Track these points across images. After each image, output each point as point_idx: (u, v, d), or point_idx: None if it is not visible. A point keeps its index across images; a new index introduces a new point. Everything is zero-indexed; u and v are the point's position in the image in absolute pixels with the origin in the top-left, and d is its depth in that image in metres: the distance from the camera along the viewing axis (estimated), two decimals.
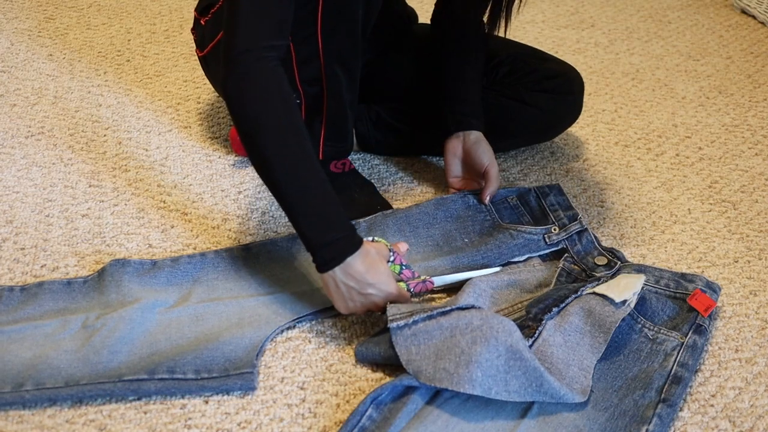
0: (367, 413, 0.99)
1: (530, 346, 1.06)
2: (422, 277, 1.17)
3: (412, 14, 1.57)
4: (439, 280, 1.20)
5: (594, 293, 1.13)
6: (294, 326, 1.16)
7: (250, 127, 1.07)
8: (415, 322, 1.06)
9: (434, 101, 1.40)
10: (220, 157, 1.50)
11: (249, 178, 1.44)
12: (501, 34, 1.33)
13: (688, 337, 1.12)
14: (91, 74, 1.74)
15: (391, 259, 1.15)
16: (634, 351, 1.11)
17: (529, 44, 1.54)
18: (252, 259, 1.24)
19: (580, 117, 1.53)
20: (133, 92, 1.69)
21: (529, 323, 1.10)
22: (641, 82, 1.84)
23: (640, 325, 1.14)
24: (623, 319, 1.13)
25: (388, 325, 1.06)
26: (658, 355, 1.10)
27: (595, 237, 1.29)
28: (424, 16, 1.54)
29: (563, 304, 1.12)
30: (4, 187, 1.40)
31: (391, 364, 1.08)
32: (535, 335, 1.08)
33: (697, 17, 2.17)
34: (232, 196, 1.40)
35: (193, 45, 1.87)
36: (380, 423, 0.98)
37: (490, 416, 1.01)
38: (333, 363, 1.10)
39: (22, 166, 1.45)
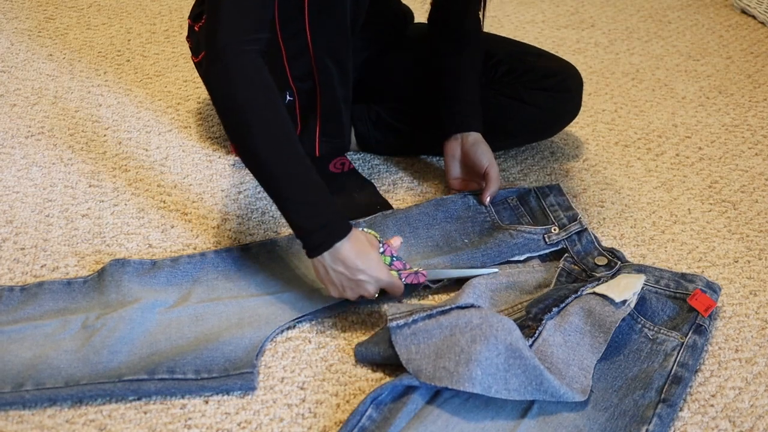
0: (367, 413, 0.99)
1: (530, 346, 1.06)
2: (414, 269, 1.16)
3: (408, 13, 1.57)
4: (432, 274, 1.19)
5: (594, 293, 1.13)
6: (294, 326, 1.16)
7: (234, 118, 1.08)
8: (414, 321, 1.06)
9: (433, 101, 1.40)
10: (220, 157, 1.50)
11: (249, 178, 1.44)
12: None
13: (688, 337, 1.12)
14: (91, 74, 1.74)
15: (381, 250, 1.14)
16: (634, 351, 1.11)
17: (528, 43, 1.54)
18: (252, 259, 1.24)
19: (580, 117, 1.53)
20: (133, 92, 1.69)
21: (529, 323, 1.11)
22: (641, 82, 1.84)
23: (640, 325, 1.14)
24: (623, 319, 1.13)
25: (388, 325, 1.06)
26: (658, 355, 1.10)
27: (595, 237, 1.29)
28: (422, 16, 1.54)
29: (563, 304, 1.12)
30: (4, 187, 1.40)
31: (390, 364, 1.08)
32: (535, 335, 1.08)
33: (697, 17, 2.17)
34: (232, 196, 1.40)
35: None
36: (380, 423, 0.98)
37: (490, 416, 1.01)
38: (333, 363, 1.10)
39: (22, 166, 1.45)
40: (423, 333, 1.04)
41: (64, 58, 1.80)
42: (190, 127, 1.58)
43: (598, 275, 1.21)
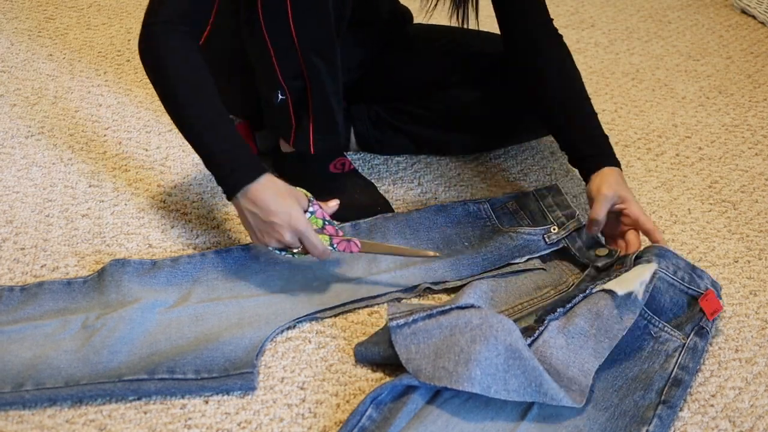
0: (367, 413, 0.99)
1: (529, 346, 1.06)
2: (347, 237, 1.17)
3: (406, 13, 1.56)
4: (366, 246, 1.19)
5: (602, 290, 1.12)
6: (294, 326, 1.16)
7: (158, 79, 1.16)
8: (414, 321, 1.06)
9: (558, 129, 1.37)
10: None
11: None
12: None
13: (689, 339, 1.11)
14: (91, 74, 1.74)
15: (311, 209, 1.15)
16: (635, 349, 1.11)
17: None
18: (252, 259, 1.24)
19: None
20: (133, 92, 1.69)
21: (532, 323, 1.10)
22: (641, 82, 1.84)
23: (645, 321, 1.13)
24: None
25: (388, 324, 1.06)
26: (659, 355, 1.10)
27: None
28: (421, 17, 1.54)
29: (570, 305, 1.11)
30: (4, 187, 1.40)
31: (390, 364, 1.08)
32: (535, 335, 1.08)
33: (697, 17, 2.17)
34: None
35: None
36: (380, 423, 0.98)
37: (490, 416, 1.01)
38: (333, 363, 1.10)
39: (22, 166, 1.45)
40: (423, 333, 1.04)
41: (64, 58, 1.80)
42: None
43: (600, 265, 1.21)
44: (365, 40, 1.44)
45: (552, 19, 1.37)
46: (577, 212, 1.31)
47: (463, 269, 1.24)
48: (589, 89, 1.73)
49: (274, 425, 1.02)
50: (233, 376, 1.05)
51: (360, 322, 1.17)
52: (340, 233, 1.18)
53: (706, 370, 1.13)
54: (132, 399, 1.04)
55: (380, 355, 1.08)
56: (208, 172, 1.44)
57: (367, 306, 1.19)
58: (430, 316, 1.06)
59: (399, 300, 1.20)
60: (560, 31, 1.38)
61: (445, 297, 1.22)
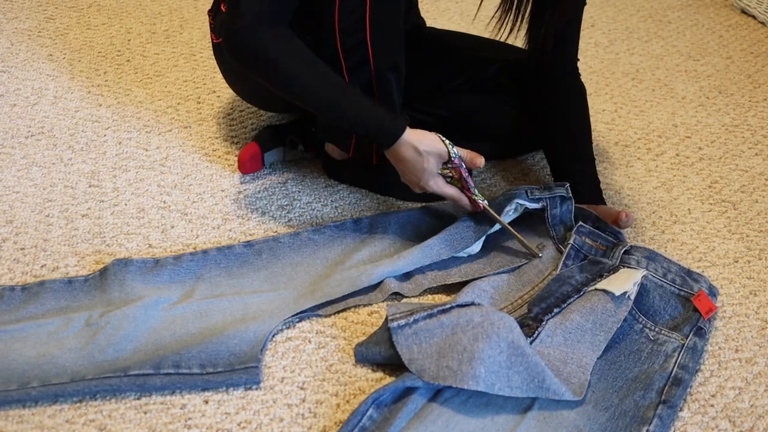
0: (368, 413, 0.99)
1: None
2: (476, 195, 1.23)
3: (422, 22, 1.57)
4: (488, 211, 1.24)
5: (595, 289, 1.13)
6: (294, 326, 1.16)
7: (279, 72, 1.17)
8: (415, 321, 1.06)
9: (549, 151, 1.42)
10: (220, 157, 1.50)
11: (249, 178, 1.44)
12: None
13: (689, 339, 1.12)
14: (91, 74, 1.74)
15: (450, 165, 1.22)
16: (634, 351, 1.11)
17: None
18: (254, 255, 1.24)
19: None
20: (133, 92, 1.69)
21: (530, 322, 1.11)
22: (641, 82, 1.84)
23: (641, 326, 1.14)
24: (624, 319, 1.13)
25: (389, 325, 1.06)
26: (659, 356, 1.10)
27: (576, 212, 1.29)
28: (428, 22, 1.54)
29: (565, 305, 1.12)
30: (4, 187, 1.40)
31: (391, 364, 1.08)
32: (534, 335, 1.08)
33: (697, 17, 2.17)
34: (232, 196, 1.40)
35: (193, 45, 1.87)
36: (380, 423, 0.98)
37: (490, 416, 1.01)
38: (333, 363, 1.11)
39: (22, 166, 1.45)
40: (424, 332, 1.04)
41: (64, 58, 1.80)
42: (190, 127, 1.58)
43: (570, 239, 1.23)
44: None
45: (578, 59, 1.42)
46: (568, 184, 1.30)
47: (457, 242, 1.24)
48: (589, 89, 1.74)
49: (274, 425, 1.02)
50: (238, 370, 1.05)
51: (360, 322, 1.17)
52: (471, 191, 1.24)
53: (706, 370, 1.13)
54: (132, 398, 1.04)
55: (381, 355, 1.08)
56: (208, 172, 1.46)
57: (368, 305, 1.19)
58: (431, 316, 1.06)
59: (398, 298, 1.20)
60: None
61: (445, 297, 1.22)
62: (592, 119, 1.67)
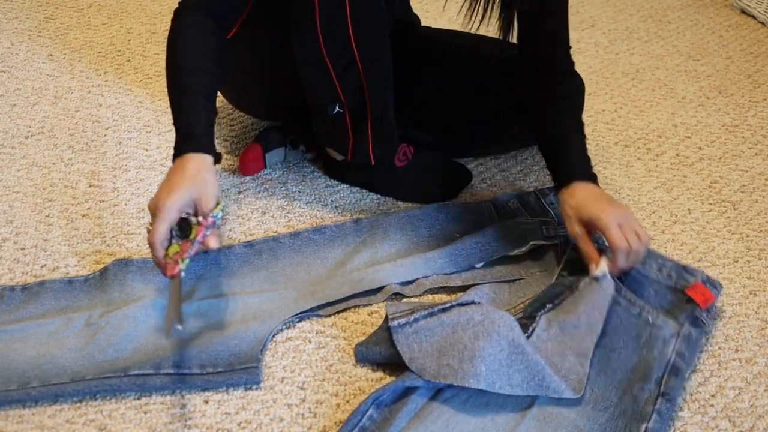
0: (368, 413, 0.99)
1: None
2: (182, 262, 1.01)
3: (415, 19, 1.57)
4: (172, 285, 1.04)
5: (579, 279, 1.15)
6: (294, 326, 1.16)
7: (168, 52, 1.18)
8: (416, 320, 1.06)
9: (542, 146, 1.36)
10: None
11: (249, 178, 1.44)
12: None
13: (684, 327, 1.12)
14: (91, 74, 1.74)
15: (198, 220, 1.01)
16: (634, 337, 1.11)
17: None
18: (255, 255, 1.24)
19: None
20: (133, 92, 1.69)
21: (524, 321, 1.11)
22: (641, 82, 1.84)
23: (638, 309, 1.14)
24: (620, 303, 1.13)
25: (389, 324, 1.06)
26: (658, 340, 1.10)
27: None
28: (425, 21, 1.54)
29: (557, 300, 1.12)
30: (4, 187, 1.40)
31: (391, 363, 1.08)
32: (529, 332, 1.08)
33: (697, 17, 2.17)
34: (232, 196, 1.40)
35: None
36: (380, 423, 0.98)
37: (490, 416, 1.01)
38: (333, 363, 1.11)
39: (22, 166, 1.45)
40: (425, 331, 1.05)
41: (64, 58, 1.80)
42: None
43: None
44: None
45: (571, 47, 1.37)
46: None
47: (461, 260, 1.24)
48: (589, 89, 1.74)
49: (274, 425, 1.02)
50: (238, 370, 1.05)
51: (360, 322, 1.17)
52: (191, 252, 1.01)
53: (706, 370, 1.13)
54: (132, 398, 1.04)
55: (381, 354, 1.08)
56: None
57: (368, 305, 1.19)
58: (431, 315, 1.06)
59: (399, 298, 1.20)
60: None
61: (445, 297, 1.22)
62: (592, 119, 1.67)
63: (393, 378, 1.07)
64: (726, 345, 1.17)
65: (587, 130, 1.63)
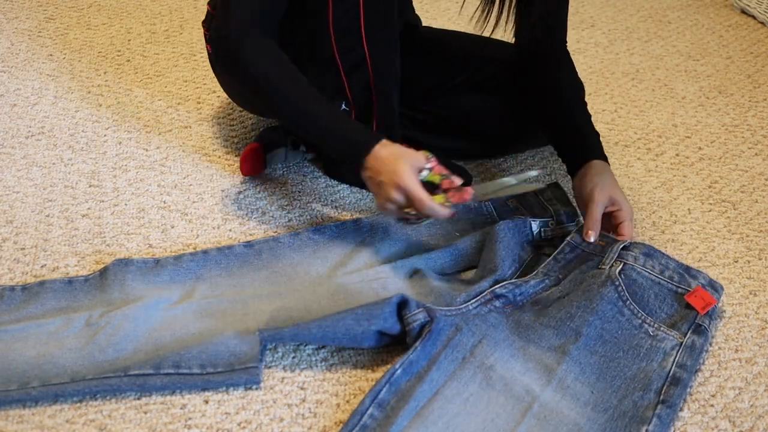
0: (369, 411, 0.99)
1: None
2: (459, 188, 1.16)
3: (417, 20, 1.57)
4: (477, 190, 1.19)
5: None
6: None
7: (257, 84, 1.17)
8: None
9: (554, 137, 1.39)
10: (220, 157, 1.50)
11: (249, 178, 1.44)
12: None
13: (687, 337, 1.12)
14: (91, 74, 1.74)
15: (428, 166, 1.15)
16: (633, 347, 1.11)
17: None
18: (255, 255, 1.24)
19: None
20: (133, 92, 1.69)
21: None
22: (641, 82, 1.84)
23: (640, 321, 1.14)
24: (623, 314, 1.13)
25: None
26: (657, 353, 1.10)
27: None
28: (426, 21, 1.54)
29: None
30: (4, 187, 1.40)
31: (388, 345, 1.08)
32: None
33: (697, 17, 2.17)
34: (232, 196, 1.40)
35: (193, 45, 1.87)
36: (382, 421, 0.98)
37: (491, 417, 1.01)
38: (333, 363, 1.11)
39: (22, 166, 1.45)
40: None
41: (64, 58, 1.80)
42: (190, 127, 1.58)
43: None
44: None
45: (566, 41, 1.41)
46: (580, 217, 1.30)
47: (461, 260, 1.25)
48: (589, 89, 1.74)
49: (274, 425, 1.02)
50: (238, 371, 1.05)
51: None
52: (455, 183, 1.17)
53: (706, 370, 1.13)
54: (132, 398, 1.04)
55: None
56: (208, 172, 1.46)
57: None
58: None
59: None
60: None
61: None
62: (592, 119, 1.67)
63: (388, 367, 1.06)
64: (726, 345, 1.17)
65: None
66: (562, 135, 1.35)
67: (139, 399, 1.04)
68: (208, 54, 1.44)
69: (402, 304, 1.10)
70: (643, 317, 1.14)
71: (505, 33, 1.38)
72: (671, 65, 1.92)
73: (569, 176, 1.33)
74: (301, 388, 1.07)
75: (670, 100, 1.77)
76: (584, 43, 1.99)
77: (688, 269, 1.20)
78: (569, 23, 1.41)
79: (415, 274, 1.21)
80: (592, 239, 1.21)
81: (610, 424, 1.01)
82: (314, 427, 1.02)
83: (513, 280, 1.17)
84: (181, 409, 1.03)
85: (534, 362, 1.08)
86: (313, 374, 1.09)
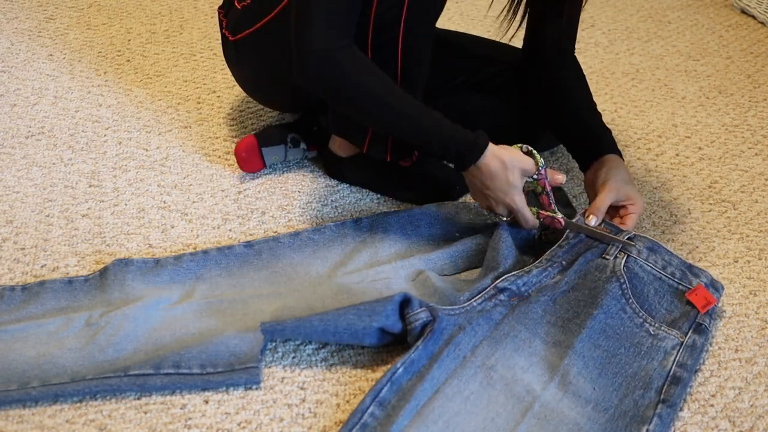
0: (369, 410, 0.99)
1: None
2: (555, 212, 1.22)
3: None
4: (569, 225, 1.22)
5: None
6: None
7: (360, 94, 1.15)
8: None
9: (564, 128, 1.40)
10: (220, 157, 1.50)
11: (249, 178, 1.44)
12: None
13: (687, 336, 1.12)
14: (91, 74, 1.74)
15: (536, 176, 1.19)
16: (634, 344, 1.11)
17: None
18: (254, 255, 1.24)
19: None
20: (133, 92, 1.69)
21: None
22: (641, 82, 1.84)
23: (641, 320, 1.14)
24: (625, 311, 1.13)
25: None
26: (658, 352, 1.10)
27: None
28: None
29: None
30: (4, 187, 1.40)
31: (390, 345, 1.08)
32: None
33: (697, 17, 2.17)
34: (232, 196, 1.40)
35: (193, 45, 1.87)
36: (383, 420, 0.98)
37: (491, 416, 1.01)
38: (333, 363, 1.11)
39: (22, 166, 1.45)
40: None
41: (64, 58, 1.80)
42: (190, 127, 1.58)
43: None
44: None
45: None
46: (578, 215, 1.30)
47: (461, 262, 1.25)
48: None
49: (274, 425, 1.02)
50: (238, 370, 1.05)
51: None
52: (552, 206, 1.22)
53: (706, 370, 1.13)
54: (132, 398, 1.04)
55: None
56: (208, 172, 1.46)
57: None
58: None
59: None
60: None
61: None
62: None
63: (389, 366, 1.06)
64: (726, 345, 1.17)
65: None
66: (575, 131, 1.36)
67: (139, 399, 1.04)
68: (225, 42, 1.42)
69: (405, 303, 1.09)
70: (644, 316, 1.14)
71: (515, 36, 1.38)
72: (671, 65, 1.92)
73: (570, 176, 1.33)
74: (301, 388, 1.07)
75: (670, 100, 1.77)
76: (584, 43, 1.99)
77: (690, 267, 1.20)
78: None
79: (418, 275, 1.21)
80: (593, 223, 1.22)
81: (610, 424, 1.01)
82: (314, 427, 1.02)
83: (515, 272, 1.17)
84: (181, 409, 1.03)
85: (538, 357, 1.08)
86: (313, 374, 1.09)
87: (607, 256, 1.18)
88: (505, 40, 1.47)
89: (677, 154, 1.59)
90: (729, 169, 1.56)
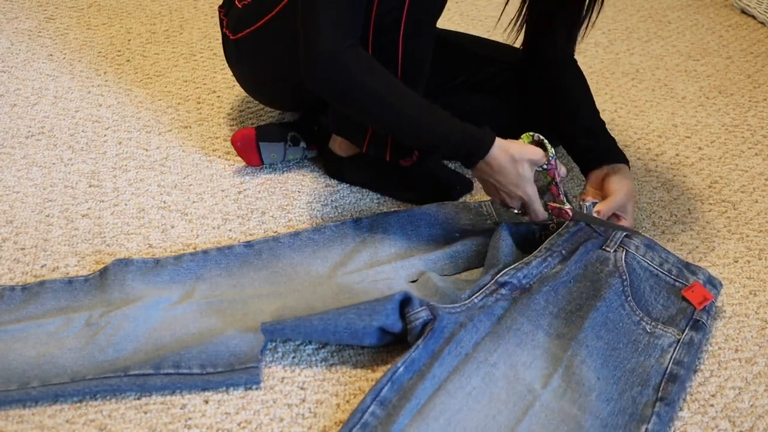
0: (370, 409, 0.99)
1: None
2: (566, 205, 1.21)
3: None
4: (577, 215, 1.22)
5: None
6: None
7: (366, 96, 1.15)
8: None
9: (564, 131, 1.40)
10: (220, 157, 1.50)
11: (249, 178, 1.45)
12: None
13: (684, 333, 1.12)
14: (91, 74, 1.74)
15: (545, 166, 1.19)
16: (632, 341, 1.11)
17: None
18: (254, 255, 1.24)
19: None
20: (133, 92, 1.69)
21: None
22: (641, 82, 1.84)
23: (638, 318, 1.14)
24: (624, 308, 1.13)
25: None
26: (655, 349, 1.10)
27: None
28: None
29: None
30: (4, 187, 1.40)
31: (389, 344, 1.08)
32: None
33: (697, 17, 2.17)
34: (232, 196, 1.41)
35: (193, 45, 1.87)
36: (383, 420, 0.98)
37: (493, 413, 1.01)
38: (333, 363, 1.11)
39: (22, 166, 1.45)
40: None
41: (64, 58, 1.80)
42: (190, 127, 1.58)
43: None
44: None
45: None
46: (586, 202, 1.30)
47: (461, 262, 1.25)
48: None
49: (274, 425, 1.02)
50: (238, 370, 1.05)
51: None
52: (561, 196, 1.22)
53: (706, 370, 1.13)
54: (132, 398, 1.04)
55: None
56: (208, 172, 1.46)
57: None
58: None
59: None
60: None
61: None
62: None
63: (389, 366, 1.06)
64: (726, 345, 1.17)
65: None
66: (577, 132, 1.36)
67: (139, 399, 1.04)
68: (225, 42, 1.43)
69: (405, 302, 1.09)
70: (640, 315, 1.14)
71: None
72: (671, 65, 1.92)
73: (570, 176, 1.33)
74: (301, 388, 1.07)
75: (670, 100, 1.77)
76: (584, 43, 1.99)
77: (687, 265, 1.20)
78: None
79: (419, 276, 1.21)
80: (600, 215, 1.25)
81: (611, 420, 1.01)
82: (314, 427, 1.02)
83: (514, 265, 1.17)
84: (181, 409, 1.03)
85: (541, 350, 1.08)
86: (313, 374, 1.09)
87: (608, 249, 1.19)
88: (508, 43, 1.47)
89: (677, 154, 1.59)
90: (729, 169, 1.56)
